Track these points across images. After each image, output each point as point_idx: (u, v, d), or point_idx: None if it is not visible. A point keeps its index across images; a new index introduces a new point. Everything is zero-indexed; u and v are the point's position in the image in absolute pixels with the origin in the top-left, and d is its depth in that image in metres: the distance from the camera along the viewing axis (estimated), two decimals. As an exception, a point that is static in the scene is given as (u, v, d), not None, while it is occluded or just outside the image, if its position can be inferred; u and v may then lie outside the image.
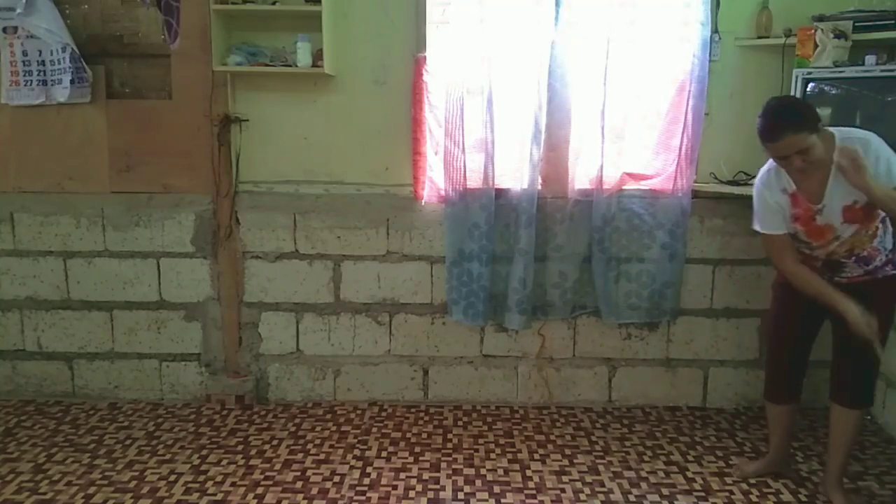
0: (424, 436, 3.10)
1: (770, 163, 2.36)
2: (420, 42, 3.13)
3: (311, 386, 3.43)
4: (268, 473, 2.76)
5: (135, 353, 3.41)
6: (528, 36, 3.06)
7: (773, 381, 2.66)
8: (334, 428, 3.17)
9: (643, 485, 2.71)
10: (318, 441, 3.04)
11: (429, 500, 2.59)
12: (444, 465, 2.85)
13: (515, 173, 3.17)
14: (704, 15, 3.01)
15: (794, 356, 2.60)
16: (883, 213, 2.30)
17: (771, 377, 2.68)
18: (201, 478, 2.72)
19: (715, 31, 3.08)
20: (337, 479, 2.73)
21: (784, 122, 2.17)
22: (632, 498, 2.61)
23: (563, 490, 2.66)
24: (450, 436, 3.11)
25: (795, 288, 2.43)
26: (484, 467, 2.83)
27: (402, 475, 2.76)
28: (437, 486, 2.68)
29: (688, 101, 3.05)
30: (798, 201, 2.33)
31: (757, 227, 2.44)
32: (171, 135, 3.21)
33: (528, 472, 2.79)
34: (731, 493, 2.65)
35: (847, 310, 2.24)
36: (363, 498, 2.59)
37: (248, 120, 3.21)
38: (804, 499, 2.60)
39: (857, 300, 2.26)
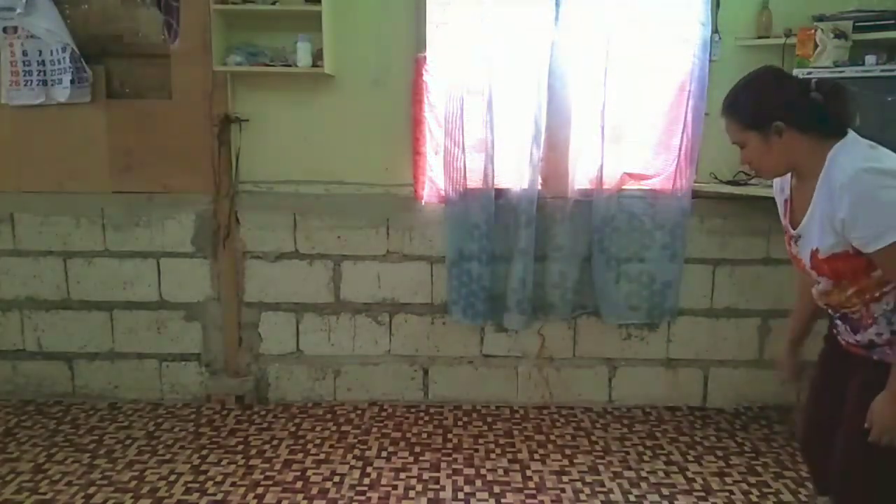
0: (424, 436, 3.10)
1: None
2: (420, 42, 3.13)
3: (311, 386, 3.43)
4: (268, 473, 2.76)
5: (135, 353, 3.40)
6: (528, 36, 3.06)
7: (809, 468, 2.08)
8: (334, 428, 3.17)
9: (643, 485, 2.71)
10: (318, 441, 3.04)
11: (429, 500, 2.59)
12: (444, 465, 2.85)
13: (515, 173, 3.17)
14: (704, 15, 3.01)
15: (830, 437, 1.86)
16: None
17: (808, 464, 2.08)
18: (201, 478, 2.72)
19: (715, 31, 3.08)
20: (337, 479, 2.73)
21: (726, 100, 1.72)
22: (632, 498, 2.61)
23: (563, 490, 2.66)
24: (450, 436, 3.11)
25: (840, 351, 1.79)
26: (484, 467, 2.83)
27: (402, 475, 2.76)
28: (437, 486, 2.68)
29: (688, 101, 3.05)
30: (786, 212, 1.79)
31: None
32: (171, 135, 3.21)
33: (528, 472, 2.79)
34: (731, 493, 2.65)
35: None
36: (363, 498, 2.59)
37: (248, 120, 3.21)
38: (804, 499, 2.60)
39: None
